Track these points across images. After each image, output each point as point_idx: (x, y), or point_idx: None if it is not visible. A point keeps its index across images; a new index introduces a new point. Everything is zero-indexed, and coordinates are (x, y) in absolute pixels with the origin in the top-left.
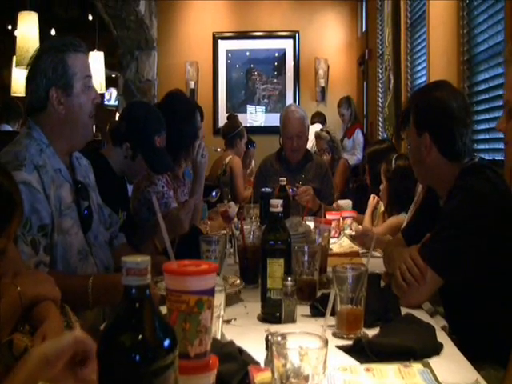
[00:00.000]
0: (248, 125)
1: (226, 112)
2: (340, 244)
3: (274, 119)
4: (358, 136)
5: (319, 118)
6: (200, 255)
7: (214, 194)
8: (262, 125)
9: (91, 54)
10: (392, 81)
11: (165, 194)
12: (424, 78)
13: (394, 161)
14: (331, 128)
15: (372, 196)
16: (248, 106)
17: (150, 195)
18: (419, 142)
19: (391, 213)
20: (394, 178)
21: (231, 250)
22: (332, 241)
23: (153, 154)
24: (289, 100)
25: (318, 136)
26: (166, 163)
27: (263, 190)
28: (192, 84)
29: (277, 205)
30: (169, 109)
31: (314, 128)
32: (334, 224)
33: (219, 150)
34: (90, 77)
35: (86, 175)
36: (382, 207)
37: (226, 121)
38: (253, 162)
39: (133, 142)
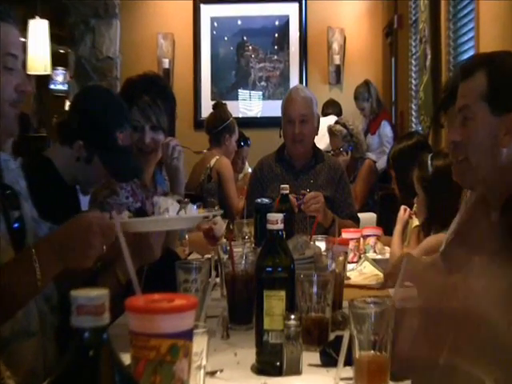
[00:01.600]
0: (240, 116)
1: (212, 99)
2: (360, 271)
3: (274, 108)
4: (386, 130)
5: (334, 108)
6: (176, 287)
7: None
8: (259, 115)
9: (32, 22)
10: (429, 56)
11: (130, 207)
12: (471, 52)
13: (429, 162)
14: (348, 119)
15: (402, 208)
16: (240, 91)
17: (109, 208)
18: (495, 124)
19: (429, 230)
20: (433, 185)
21: (217, 280)
22: (349, 267)
23: (114, 155)
24: (293, 83)
25: (330, 131)
26: (131, 167)
27: (259, 200)
28: (166, 63)
29: (276, 220)
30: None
31: (327, 121)
32: (352, 245)
33: (204, 151)
34: (12, 56)
35: (16, 181)
36: (414, 222)
37: (210, 111)
38: (246, 164)
39: (87, 140)
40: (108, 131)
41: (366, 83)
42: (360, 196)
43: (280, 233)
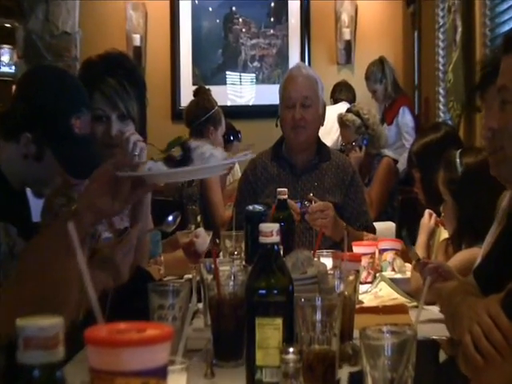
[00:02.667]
0: (228, 104)
1: (193, 84)
2: (375, 294)
3: (270, 94)
4: (406, 118)
5: (346, 92)
6: (149, 314)
7: (170, 218)
8: (251, 103)
9: None
10: (460, 29)
11: None
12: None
13: (458, 160)
14: (363, 106)
15: (427, 212)
16: (228, 73)
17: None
18: None
19: (460, 244)
20: (462, 189)
21: (199, 306)
22: (362, 288)
23: (70, 147)
24: (293, 63)
25: (341, 121)
26: (92, 160)
27: (250, 208)
28: (137, 39)
29: (270, 232)
30: None
31: (338, 110)
32: (365, 261)
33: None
34: None
35: None
36: (442, 232)
37: (191, 98)
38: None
39: (36, 132)
40: (61, 118)
41: (381, 61)
42: (376, 202)
43: (275, 247)
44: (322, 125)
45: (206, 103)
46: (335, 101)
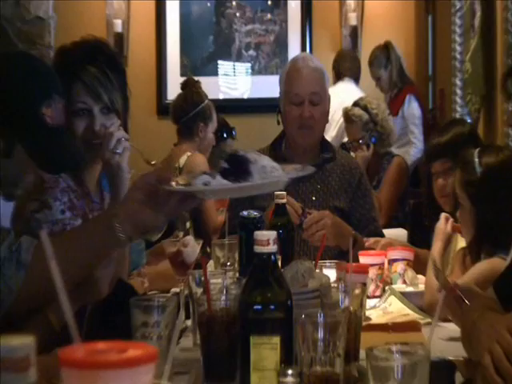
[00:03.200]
0: (221, 97)
1: (181, 75)
2: (384, 309)
3: (267, 86)
4: (412, 107)
5: (351, 65)
6: (132, 333)
7: None
8: (246, 97)
9: None
10: (479, 13)
11: (66, 225)
12: None
13: (476, 160)
14: (371, 100)
15: (443, 216)
16: (220, 63)
17: (38, 227)
18: None
19: (479, 253)
20: (481, 192)
21: (188, 323)
22: (369, 303)
23: (42, 140)
24: (293, 51)
25: (346, 116)
26: (67, 153)
27: (245, 213)
28: (118, 25)
29: (266, 240)
30: None
31: (340, 91)
32: (372, 273)
33: (153, 162)
34: None
35: None
36: (459, 240)
37: (179, 91)
38: None
39: (3, 125)
40: (30, 107)
41: (386, 46)
42: (386, 206)
43: (272, 257)
44: (327, 121)
45: (195, 97)
46: (337, 76)
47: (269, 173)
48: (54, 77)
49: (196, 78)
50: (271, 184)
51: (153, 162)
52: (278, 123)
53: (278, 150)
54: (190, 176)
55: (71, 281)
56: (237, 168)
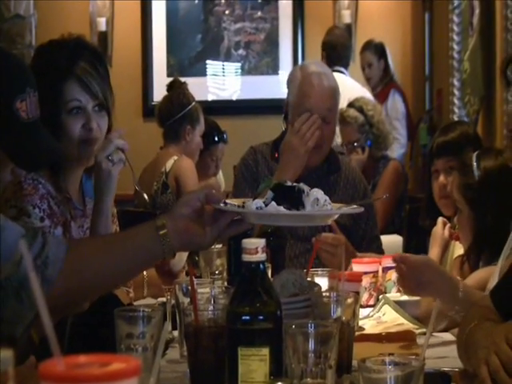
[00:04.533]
0: (209, 99)
1: (168, 75)
2: (378, 319)
3: (258, 87)
4: (395, 103)
5: (342, 54)
6: (115, 345)
7: None
8: (235, 98)
9: None
10: (478, 11)
11: (46, 233)
12: None
13: (475, 163)
14: (367, 101)
15: (440, 220)
16: (208, 63)
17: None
18: None
19: (477, 261)
20: (481, 196)
21: (174, 335)
22: (363, 313)
23: (18, 136)
24: (285, 50)
25: (341, 117)
26: (44, 146)
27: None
28: (102, 23)
29: (255, 249)
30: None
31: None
32: (366, 281)
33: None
34: None
35: None
36: (457, 247)
37: (165, 93)
38: (220, 172)
39: None
40: (3, 103)
41: (381, 45)
42: (382, 212)
43: (261, 266)
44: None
45: (182, 98)
46: (328, 62)
47: (321, 206)
48: (26, 70)
49: (183, 79)
50: (323, 217)
51: (137, 188)
52: (285, 130)
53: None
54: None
55: (104, 288)
56: (290, 197)
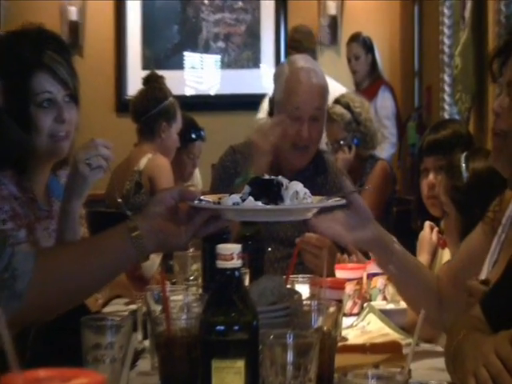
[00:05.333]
0: (187, 93)
1: (143, 68)
2: (362, 328)
3: (238, 81)
4: (385, 100)
5: (307, 42)
6: (82, 356)
7: None
8: (215, 93)
9: None
10: (469, 4)
11: (8, 236)
12: None
13: (463, 164)
14: (354, 97)
15: (428, 225)
16: (186, 55)
17: None
18: None
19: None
20: (469, 199)
21: (145, 345)
22: (346, 322)
23: None
24: (267, 42)
25: (327, 114)
26: (7, 136)
27: None
28: (73, 12)
29: (230, 255)
30: None
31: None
32: (349, 288)
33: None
34: None
35: None
36: (445, 253)
37: (140, 86)
38: (197, 171)
39: None
40: None
41: (369, 39)
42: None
43: (236, 273)
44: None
45: (158, 93)
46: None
47: (301, 199)
48: None
49: (159, 73)
50: (303, 211)
51: (119, 200)
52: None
53: None
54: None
55: (77, 298)
56: (268, 191)
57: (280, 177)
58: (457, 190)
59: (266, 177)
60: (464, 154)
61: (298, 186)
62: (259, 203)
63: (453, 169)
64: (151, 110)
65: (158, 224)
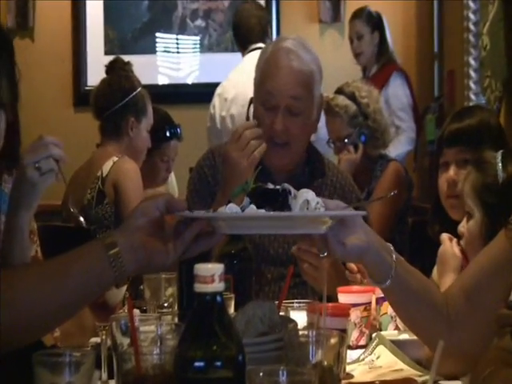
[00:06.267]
0: (159, 83)
1: (106, 53)
2: (370, 363)
3: (221, 67)
4: (398, 88)
5: (262, 34)
6: None
7: None
8: (192, 81)
9: None
10: None
11: None
12: None
13: (499, 163)
14: (360, 86)
15: (446, 237)
16: (158, 36)
17: None
18: None
19: None
20: (503, 204)
21: None
22: (351, 355)
23: None
24: None
25: (327, 107)
26: None
27: None
28: None
29: (210, 276)
30: None
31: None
32: (355, 315)
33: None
34: None
35: None
36: None
37: (103, 75)
38: (172, 174)
39: None
40: None
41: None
42: (379, 225)
43: (218, 298)
44: (315, 131)
45: (124, 82)
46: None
47: (312, 209)
48: None
49: (126, 58)
50: (315, 221)
51: (72, 210)
52: (248, 119)
53: None
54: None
55: (44, 327)
56: (273, 201)
57: (286, 184)
58: (489, 190)
59: (271, 186)
60: (500, 152)
61: (308, 194)
62: (260, 210)
63: (485, 165)
64: (116, 103)
65: (140, 240)
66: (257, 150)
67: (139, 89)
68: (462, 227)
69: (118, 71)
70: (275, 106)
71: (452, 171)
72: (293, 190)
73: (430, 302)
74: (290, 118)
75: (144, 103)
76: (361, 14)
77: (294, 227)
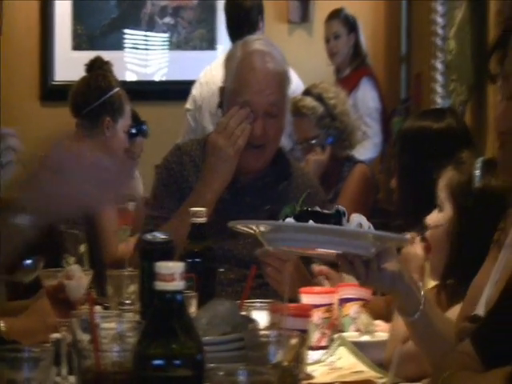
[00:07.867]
0: (127, 79)
1: (73, 48)
2: (331, 364)
3: (190, 64)
4: (368, 94)
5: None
6: None
7: (28, 262)
8: (161, 79)
9: None
10: None
11: None
12: None
13: (478, 171)
14: (328, 87)
15: (409, 236)
16: (127, 33)
17: None
18: None
19: (458, 289)
20: (477, 206)
21: (70, 381)
22: (312, 356)
23: None
24: (224, 18)
25: (295, 108)
26: None
27: (147, 237)
28: None
29: (170, 275)
30: None
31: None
32: (317, 316)
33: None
34: None
35: None
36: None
37: (68, 69)
38: (137, 173)
39: None
40: None
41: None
42: None
43: (178, 297)
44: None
45: (101, 81)
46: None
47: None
48: None
49: (94, 54)
50: (369, 242)
51: None
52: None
53: None
54: None
55: None
56: (326, 221)
57: (340, 206)
58: (462, 190)
59: (318, 209)
60: (481, 159)
61: (361, 218)
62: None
63: (462, 165)
64: (93, 102)
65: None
66: (239, 138)
67: (117, 89)
68: (430, 219)
69: (96, 70)
70: (253, 112)
71: None
72: (345, 212)
73: (452, 346)
74: (267, 120)
75: (121, 103)
76: (338, 14)
77: (351, 245)
